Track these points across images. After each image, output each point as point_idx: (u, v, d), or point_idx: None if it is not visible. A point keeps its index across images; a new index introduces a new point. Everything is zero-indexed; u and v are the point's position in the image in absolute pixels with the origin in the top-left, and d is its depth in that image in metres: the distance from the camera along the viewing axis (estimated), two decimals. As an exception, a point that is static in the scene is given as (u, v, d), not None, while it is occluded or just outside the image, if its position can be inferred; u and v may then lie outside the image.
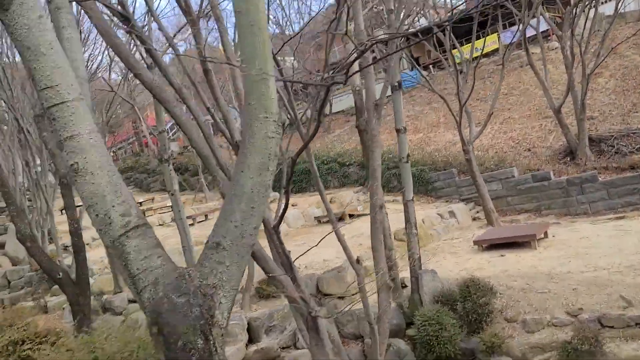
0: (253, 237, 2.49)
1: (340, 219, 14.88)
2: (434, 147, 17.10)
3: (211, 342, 2.28)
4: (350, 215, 14.84)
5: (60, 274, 6.12)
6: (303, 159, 20.77)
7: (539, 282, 8.06)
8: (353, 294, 9.56)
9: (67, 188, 6.23)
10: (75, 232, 6.21)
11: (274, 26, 25.30)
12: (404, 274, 9.16)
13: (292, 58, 29.09)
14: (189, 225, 17.13)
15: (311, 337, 3.77)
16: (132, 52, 6.12)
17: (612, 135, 13.75)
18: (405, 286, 9.02)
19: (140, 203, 23.78)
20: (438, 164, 16.19)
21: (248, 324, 9.08)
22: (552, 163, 14.40)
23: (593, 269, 8.12)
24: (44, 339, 5.81)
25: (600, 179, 12.58)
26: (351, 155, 18.92)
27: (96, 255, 14.63)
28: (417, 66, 20.80)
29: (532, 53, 14.57)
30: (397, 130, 8.12)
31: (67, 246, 15.92)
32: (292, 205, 16.54)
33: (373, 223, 6.31)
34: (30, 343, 5.74)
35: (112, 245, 2.37)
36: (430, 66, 25.48)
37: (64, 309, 11.72)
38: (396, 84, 7.90)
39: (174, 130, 38.08)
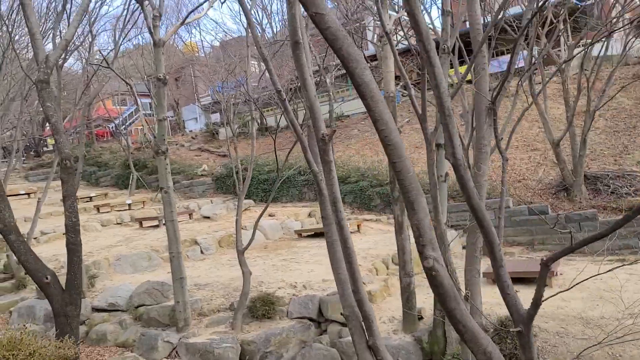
0: None
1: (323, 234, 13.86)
2: (421, 169, 16.51)
3: None
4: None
5: (49, 277, 4.84)
6: (275, 167, 19.75)
7: (574, 326, 7.43)
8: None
9: (69, 172, 4.98)
10: (73, 227, 4.96)
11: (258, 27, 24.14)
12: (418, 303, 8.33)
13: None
14: (153, 227, 15.69)
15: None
16: None
17: (608, 175, 13.62)
18: (422, 317, 8.19)
19: (91, 197, 21.86)
20: (425, 186, 15.58)
21: (241, 347, 7.95)
22: (544, 197, 14.11)
23: (629, 316, 7.56)
24: None
25: (599, 218, 12.32)
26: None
27: (47, 252, 12.91)
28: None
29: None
30: (437, 145, 7.33)
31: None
32: (270, 215, 15.43)
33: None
34: None
35: None
36: (412, 86, 25.10)
37: (10, 312, 10.09)
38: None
39: (129, 123, 35.95)
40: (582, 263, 11.51)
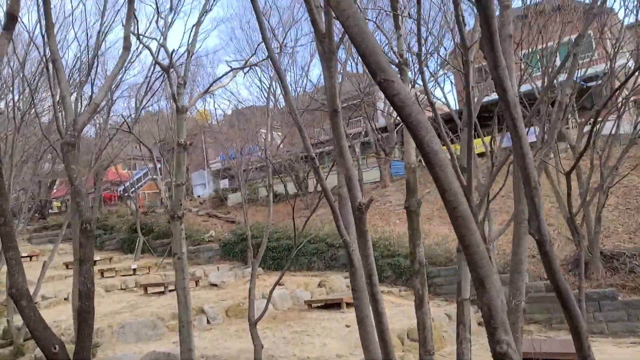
0: None
1: (336, 304, 13.50)
2: (434, 241, 16.30)
3: None
4: (348, 304, 13.40)
5: (57, 347, 4.60)
6: (287, 235, 19.58)
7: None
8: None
9: (88, 236, 4.87)
10: (88, 293, 4.78)
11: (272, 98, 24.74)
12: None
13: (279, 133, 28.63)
14: (159, 293, 15.32)
15: None
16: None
17: (624, 253, 13.37)
18: (442, 401, 7.74)
19: (95, 262, 21.50)
20: (438, 258, 15.33)
21: None
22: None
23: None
24: None
25: (619, 297, 11.97)
26: (341, 237, 17.85)
27: (48, 318, 12.48)
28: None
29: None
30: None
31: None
32: (279, 284, 15.05)
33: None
34: None
35: None
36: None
37: (7, 381, 9.62)
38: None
39: (138, 185, 36.14)
40: (604, 344, 11.06)
